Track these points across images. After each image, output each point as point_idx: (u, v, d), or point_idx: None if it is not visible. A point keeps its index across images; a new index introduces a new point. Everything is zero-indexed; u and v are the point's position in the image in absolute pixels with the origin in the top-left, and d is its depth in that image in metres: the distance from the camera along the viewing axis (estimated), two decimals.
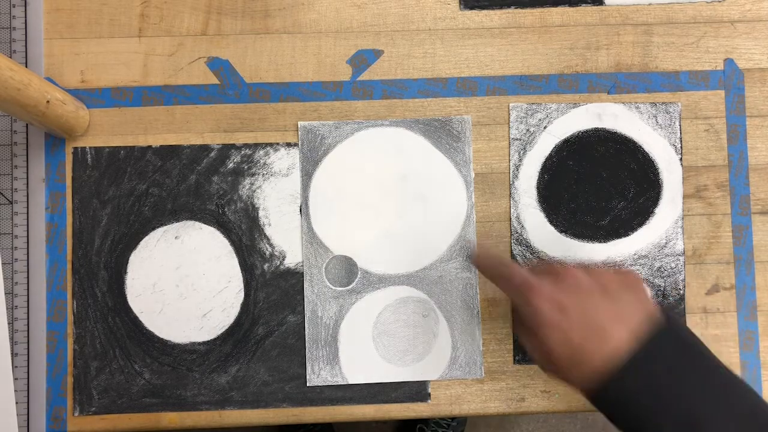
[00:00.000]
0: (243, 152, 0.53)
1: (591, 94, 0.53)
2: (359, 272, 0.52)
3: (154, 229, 0.52)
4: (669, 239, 0.53)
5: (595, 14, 0.54)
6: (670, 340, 0.39)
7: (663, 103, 0.53)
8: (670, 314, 0.41)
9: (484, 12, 0.54)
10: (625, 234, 0.53)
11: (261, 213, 0.52)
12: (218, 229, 0.52)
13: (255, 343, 0.52)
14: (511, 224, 0.53)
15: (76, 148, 0.52)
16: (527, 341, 0.43)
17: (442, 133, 0.53)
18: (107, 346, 0.51)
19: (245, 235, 0.52)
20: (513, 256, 0.53)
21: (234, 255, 0.52)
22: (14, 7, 0.53)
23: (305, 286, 0.52)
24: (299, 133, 0.53)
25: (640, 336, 0.39)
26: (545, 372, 0.43)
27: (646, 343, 0.38)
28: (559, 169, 0.53)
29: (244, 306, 0.52)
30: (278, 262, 0.52)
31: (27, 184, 0.52)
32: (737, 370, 0.53)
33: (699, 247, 0.53)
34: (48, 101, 0.46)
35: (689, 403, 0.37)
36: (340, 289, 0.52)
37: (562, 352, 0.40)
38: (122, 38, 0.53)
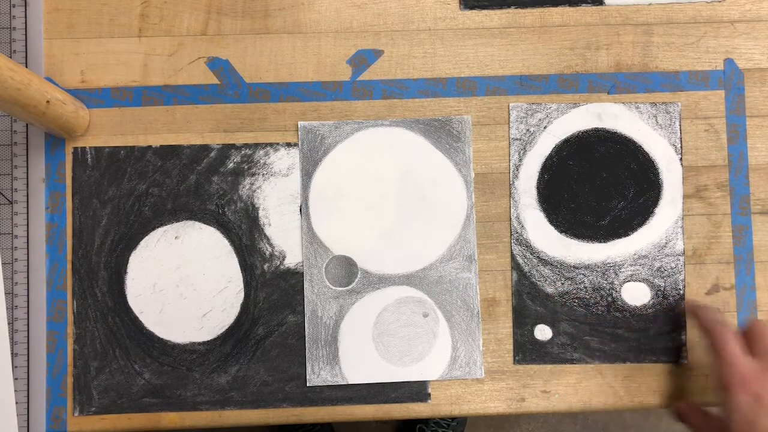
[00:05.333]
0: (243, 152, 0.53)
1: (591, 94, 0.53)
2: (359, 272, 0.52)
3: (154, 229, 0.52)
4: (669, 239, 0.53)
5: (595, 14, 0.54)
6: None
7: (663, 103, 0.53)
8: None
9: (484, 12, 0.54)
10: (625, 234, 0.53)
11: (261, 213, 0.52)
12: (218, 229, 0.52)
13: (255, 343, 0.52)
14: (511, 224, 0.53)
15: (76, 148, 0.52)
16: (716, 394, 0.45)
17: (442, 133, 0.53)
18: (107, 346, 0.51)
19: (245, 235, 0.52)
20: (513, 256, 0.53)
21: (234, 255, 0.52)
22: (14, 7, 0.53)
23: (305, 286, 0.52)
24: (299, 133, 0.53)
25: None
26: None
27: None
28: (559, 169, 0.53)
29: (244, 306, 0.52)
30: (278, 262, 0.52)
31: (27, 184, 0.52)
32: None
33: (699, 247, 0.53)
34: (48, 101, 0.46)
35: None
36: (340, 289, 0.52)
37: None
38: (122, 38, 0.53)
